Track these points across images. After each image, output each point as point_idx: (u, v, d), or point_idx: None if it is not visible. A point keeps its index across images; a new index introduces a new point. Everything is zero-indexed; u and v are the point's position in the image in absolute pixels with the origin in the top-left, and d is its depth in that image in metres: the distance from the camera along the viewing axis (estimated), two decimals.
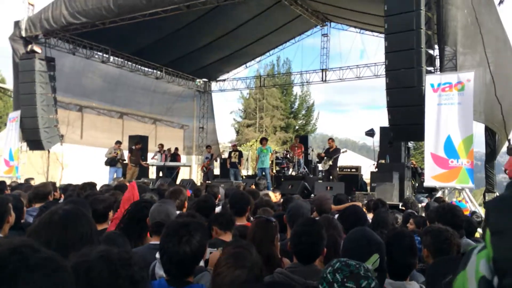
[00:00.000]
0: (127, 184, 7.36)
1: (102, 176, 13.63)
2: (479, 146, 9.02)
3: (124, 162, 14.42)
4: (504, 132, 10.15)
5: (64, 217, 1.74)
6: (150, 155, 16.56)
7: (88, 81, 17.42)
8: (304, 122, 35.61)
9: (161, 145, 15.57)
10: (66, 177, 14.70)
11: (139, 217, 3.04)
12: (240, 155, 14.60)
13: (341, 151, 13.08)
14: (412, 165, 11.97)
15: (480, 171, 12.10)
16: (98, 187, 6.62)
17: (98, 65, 17.20)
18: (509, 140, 9.93)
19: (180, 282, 1.94)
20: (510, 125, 10.40)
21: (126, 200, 3.77)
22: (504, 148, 10.38)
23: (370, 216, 4.68)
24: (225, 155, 18.23)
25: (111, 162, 13.99)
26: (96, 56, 16.80)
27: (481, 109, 9.19)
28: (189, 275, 1.98)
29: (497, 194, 11.15)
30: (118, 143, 14.47)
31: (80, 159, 15.83)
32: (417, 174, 12.63)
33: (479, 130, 9.85)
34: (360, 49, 19.93)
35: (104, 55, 16.96)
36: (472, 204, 8.90)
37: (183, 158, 19.21)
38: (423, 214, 6.32)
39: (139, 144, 15.06)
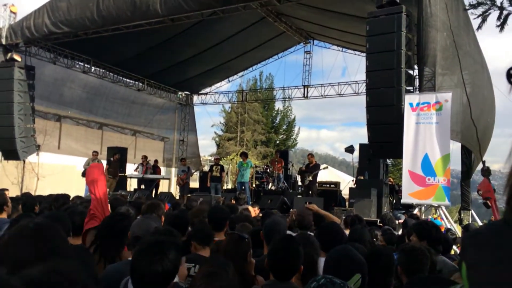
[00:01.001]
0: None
1: (79, 188, 13.38)
2: (456, 164, 9.23)
3: None
4: (479, 154, 10.39)
5: (35, 231, 1.69)
6: (129, 166, 16.35)
7: (68, 91, 17.21)
8: (284, 137, 35.79)
9: (145, 157, 15.30)
10: (41, 188, 14.36)
11: (115, 231, 2.94)
12: (222, 169, 14.54)
13: (322, 167, 13.16)
14: (389, 182, 12.10)
15: (456, 189, 12.33)
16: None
17: (78, 75, 17.01)
18: (483, 162, 10.15)
19: None
20: (485, 147, 10.66)
21: (90, 182, 3.70)
22: (479, 167, 10.61)
23: (347, 232, 4.68)
24: (206, 168, 18.16)
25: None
26: (77, 66, 16.64)
27: (458, 129, 9.40)
28: None
29: (472, 211, 11.36)
30: (95, 153, 14.25)
31: (56, 170, 15.53)
32: (395, 191, 12.78)
33: (455, 148, 10.07)
34: (342, 67, 20.27)
35: (86, 65, 16.81)
36: (448, 221, 9.04)
37: (163, 171, 19.03)
38: (400, 231, 6.38)
39: (117, 155, 14.84)
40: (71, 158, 16.72)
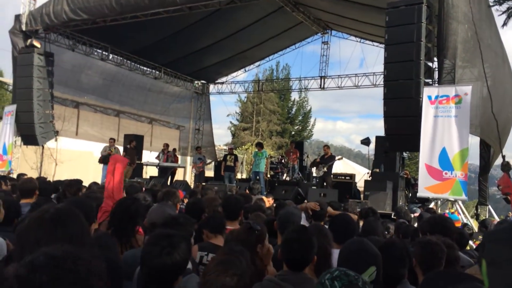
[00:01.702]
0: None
1: (96, 174, 13.58)
2: (473, 159, 9.10)
3: None
4: (499, 147, 10.21)
5: (55, 216, 1.71)
6: (145, 153, 16.50)
7: (85, 77, 17.39)
8: (300, 128, 35.67)
9: (166, 145, 15.36)
10: (59, 173, 14.61)
11: (128, 214, 2.92)
12: (236, 159, 14.57)
13: (337, 158, 13.09)
14: (405, 176, 11.99)
15: (473, 184, 12.16)
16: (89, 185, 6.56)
17: (95, 62, 17.18)
18: (503, 156, 9.98)
19: None
20: (504, 141, 10.46)
21: (109, 172, 3.75)
22: (497, 162, 10.44)
23: (361, 223, 4.68)
24: (220, 158, 18.24)
25: (105, 159, 13.90)
26: (95, 53, 16.79)
27: (477, 123, 9.24)
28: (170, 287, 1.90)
29: (490, 207, 11.21)
30: (112, 140, 14.40)
31: (74, 156, 15.77)
32: (410, 184, 12.66)
33: (474, 142, 9.92)
34: (360, 58, 20.03)
35: (104, 52, 16.95)
36: (464, 216, 8.93)
37: (179, 159, 19.17)
38: (416, 224, 6.33)
39: (133, 142, 14.97)
40: (88, 144, 16.96)
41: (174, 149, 16.53)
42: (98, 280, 1.13)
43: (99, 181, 10.21)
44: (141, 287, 1.98)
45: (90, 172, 14.23)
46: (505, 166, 9.69)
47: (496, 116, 9.29)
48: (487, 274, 0.48)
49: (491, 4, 9.02)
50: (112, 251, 2.30)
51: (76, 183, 5.75)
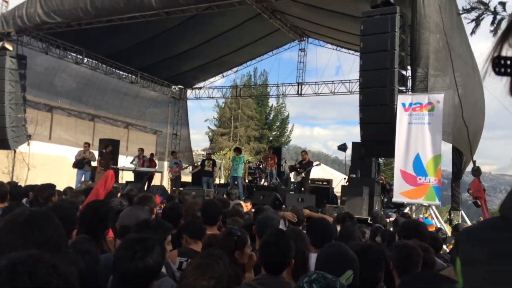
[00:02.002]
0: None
1: (69, 178, 13.32)
2: (446, 165, 9.33)
3: (93, 165, 14.09)
4: (470, 154, 10.49)
5: (30, 219, 1.69)
6: (121, 158, 16.28)
7: (59, 81, 17.07)
8: (278, 133, 35.84)
9: (141, 150, 15.20)
10: (32, 178, 14.27)
11: (98, 218, 2.82)
12: (214, 164, 14.54)
13: (314, 163, 13.21)
14: (381, 181, 12.19)
15: (446, 189, 12.44)
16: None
17: (69, 65, 16.89)
18: (474, 162, 10.26)
19: None
20: (475, 147, 10.76)
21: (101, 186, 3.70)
22: (469, 168, 10.72)
23: (339, 228, 4.74)
24: (198, 163, 18.15)
25: (79, 164, 13.65)
26: (70, 56, 16.51)
27: (450, 130, 9.49)
28: None
29: (462, 212, 11.49)
30: (87, 144, 14.16)
31: (47, 160, 15.43)
32: (386, 190, 12.88)
33: (447, 149, 10.17)
34: (336, 65, 20.31)
35: (78, 56, 16.68)
36: (438, 221, 9.14)
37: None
38: (391, 229, 6.44)
39: (109, 147, 14.76)
40: (62, 149, 16.62)
41: (152, 154, 16.37)
42: (65, 284, 1.12)
43: (73, 186, 10.02)
44: None
45: (64, 177, 13.93)
46: (475, 171, 9.96)
47: (467, 124, 9.56)
48: (461, 274, 0.49)
49: (460, 12, 9.31)
50: (91, 256, 2.27)
51: (48, 188, 5.59)
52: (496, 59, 0.49)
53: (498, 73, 0.48)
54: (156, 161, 16.90)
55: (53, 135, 16.99)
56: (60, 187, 7.61)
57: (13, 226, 1.67)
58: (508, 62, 0.49)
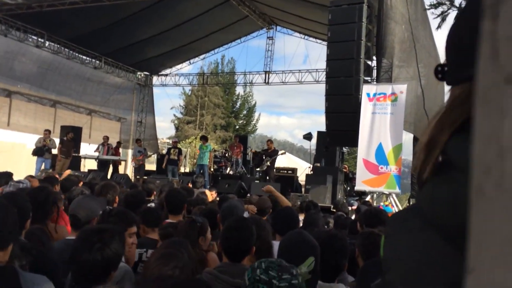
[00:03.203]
0: (57, 176, 7.01)
1: (29, 166, 12.87)
2: (407, 154, 9.59)
3: (53, 152, 13.65)
4: None
5: None
6: (83, 146, 15.85)
7: (19, 66, 16.38)
8: (244, 122, 35.80)
9: (106, 137, 14.81)
10: None
11: (36, 205, 2.69)
12: (180, 152, 14.39)
13: (280, 152, 13.29)
14: (344, 170, 12.41)
15: (406, 178, 12.80)
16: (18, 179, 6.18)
17: (30, 49, 16.22)
18: None
19: None
20: None
21: None
22: None
23: (302, 217, 4.80)
24: (164, 151, 17.92)
25: (39, 151, 13.16)
26: (30, 39, 15.85)
27: (412, 120, 9.74)
28: (100, 284, 1.82)
29: None
30: (47, 131, 13.67)
31: (5, 147, 14.85)
32: (349, 178, 13.13)
33: (408, 138, 10.45)
34: (304, 54, 20.44)
35: (39, 39, 16.04)
36: (398, 209, 9.41)
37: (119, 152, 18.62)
38: (353, 217, 6.58)
39: (70, 134, 14.28)
40: (21, 136, 16.01)
41: (119, 142, 16.05)
42: None
43: (33, 174, 9.68)
44: (73, 283, 1.91)
45: (23, 165, 13.46)
46: None
47: (428, 114, 9.84)
48: (383, 246, 0.56)
49: (427, 7, 9.52)
50: (45, 245, 2.20)
51: (5, 176, 5.38)
52: (438, 67, 0.55)
53: (438, 79, 0.53)
54: (120, 150, 16.57)
55: (11, 122, 16.33)
56: (19, 175, 7.33)
57: None
58: (441, 69, 0.55)
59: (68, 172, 8.62)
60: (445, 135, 0.50)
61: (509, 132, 0.22)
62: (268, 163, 12.50)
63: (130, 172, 18.32)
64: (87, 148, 15.90)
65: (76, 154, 14.57)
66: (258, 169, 13.47)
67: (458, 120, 0.49)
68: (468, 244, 0.26)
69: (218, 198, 6.68)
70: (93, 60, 18.53)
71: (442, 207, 0.47)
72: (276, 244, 2.67)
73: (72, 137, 14.21)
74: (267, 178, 12.53)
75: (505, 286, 0.23)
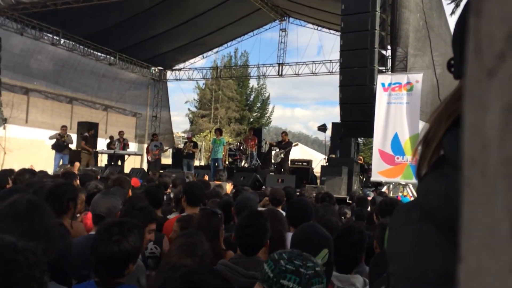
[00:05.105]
0: (75, 172, 7.13)
1: (47, 162, 13.10)
2: None
3: (71, 147, 13.87)
4: None
5: (30, 208, 1.67)
6: (100, 141, 16.05)
7: (34, 63, 16.64)
8: (258, 114, 35.77)
9: (122, 133, 15.03)
10: (8, 162, 13.99)
11: (54, 195, 2.78)
12: (195, 145, 14.50)
13: (293, 144, 13.29)
14: (359, 161, 12.35)
15: None
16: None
17: (45, 46, 16.47)
18: None
19: (110, 284, 1.84)
20: None
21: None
22: None
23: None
24: (180, 145, 18.06)
25: (58, 146, 13.38)
26: (46, 37, 16.08)
27: (428, 109, 9.62)
28: (119, 277, 1.87)
29: None
30: (64, 127, 13.88)
31: (24, 144, 15.13)
32: (364, 169, 13.06)
33: (424, 128, 10.32)
34: (317, 46, 20.32)
35: (55, 37, 16.26)
36: None
37: (135, 146, 18.85)
38: (369, 208, 6.56)
39: (92, 130, 14.54)
40: (39, 132, 16.29)
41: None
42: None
43: (50, 170, 9.87)
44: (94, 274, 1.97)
45: (41, 161, 13.71)
46: None
47: None
48: (387, 238, 0.57)
49: None
50: (65, 240, 2.26)
51: (28, 172, 5.49)
52: (450, 60, 0.56)
53: (450, 72, 0.55)
54: (136, 144, 16.76)
55: (29, 119, 16.63)
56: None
57: (11, 215, 1.64)
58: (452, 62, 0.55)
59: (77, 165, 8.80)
60: (441, 129, 0.50)
61: (491, 125, 0.23)
62: (282, 155, 12.51)
63: (146, 166, 18.52)
64: (104, 144, 16.12)
65: (94, 149, 14.78)
66: (273, 161, 13.49)
67: (453, 114, 0.49)
68: (459, 234, 0.27)
69: (234, 191, 6.73)
70: (108, 56, 18.71)
71: (435, 201, 0.48)
72: (289, 236, 2.69)
73: (93, 133, 14.47)
74: (282, 170, 12.54)
75: (490, 272, 0.25)
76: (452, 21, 11.07)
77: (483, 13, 0.24)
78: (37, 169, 7.09)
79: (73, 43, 17.11)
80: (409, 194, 9.36)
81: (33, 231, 1.60)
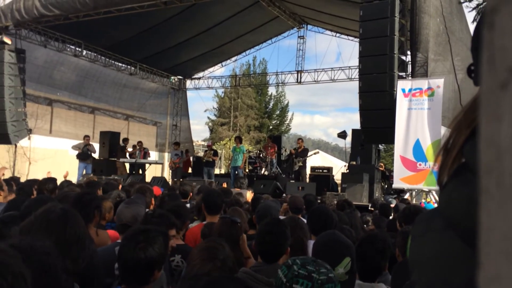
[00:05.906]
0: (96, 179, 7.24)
1: (71, 172, 13.34)
2: None
3: (94, 157, 14.15)
4: None
5: (63, 217, 1.72)
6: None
7: (59, 74, 17.07)
8: (278, 122, 35.77)
9: (141, 142, 15.31)
10: (33, 172, 14.32)
11: (81, 204, 2.87)
12: (215, 153, 14.59)
13: (313, 152, 13.25)
14: (380, 168, 12.21)
15: None
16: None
17: (68, 58, 16.87)
18: None
19: None
20: None
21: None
22: None
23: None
24: (200, 154, 18.20)
25: (83, 156, 13.66)
26: (68, 49, 16.49)
27: (450, 115, 9.47)
28: (145, 283, 1.90)
29: None
30: (87, 137, 14.18)
31: (48, 154, 15.47)
32: (386, 176, 12.90)
33: (446, 134, 10.16)
34: (336, 52, 20.25)
35: (77, 48, 16.65)
36: None
37: (156, 155, 19.05)
38: (391, 215, 6.47)
39: (127, 141, 15.04)
40: (63, 142, 16.65)
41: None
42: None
43: (74, 180, 10.06)
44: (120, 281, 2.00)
45: (65, 170, 13.97)
46: None
47: None
48: (409, 248, 0.57)
49: (462, 1, 9.27)
50: (90, 249, 2.30)
51: (51, 181, 5.61)
52: (470, 66, 0.56)
53: (470, 78, 0.55)
54: (157, 153, 17.02)
55: (53, 129, 17.02)
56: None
57: (46, 223, 1.69)
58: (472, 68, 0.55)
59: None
60: (461, 137, 0.50)
61: (505, 136, 0.24)
62: (300, 163, 12.48)
63: (166, 174, 18.70)
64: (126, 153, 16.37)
65: (115, 159, 15.04)
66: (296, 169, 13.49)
67: (473, 122, 0.49)
68: (478, 242, 0.28)
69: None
70: (129, 66, 19.04)
71: (457, 209, 0.48)
72: (311, 243, 2.68)
73: (127, 143, 15.09)
74: (300, 178, 12.51)
75: (509, 279, 0.25)
76: (473, 27, 10.93)
77: (496, 26, 0.24)
78: (59, 177, 7.25)
79: (95, 54, 17.48)
80: (433, 200, 9.20)
81: (66, 240, 1.64)
